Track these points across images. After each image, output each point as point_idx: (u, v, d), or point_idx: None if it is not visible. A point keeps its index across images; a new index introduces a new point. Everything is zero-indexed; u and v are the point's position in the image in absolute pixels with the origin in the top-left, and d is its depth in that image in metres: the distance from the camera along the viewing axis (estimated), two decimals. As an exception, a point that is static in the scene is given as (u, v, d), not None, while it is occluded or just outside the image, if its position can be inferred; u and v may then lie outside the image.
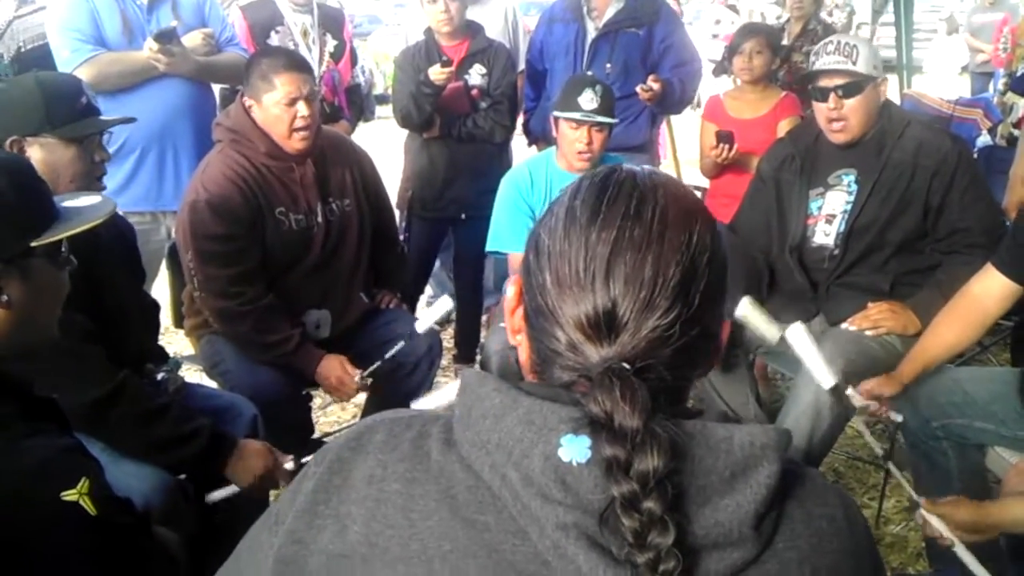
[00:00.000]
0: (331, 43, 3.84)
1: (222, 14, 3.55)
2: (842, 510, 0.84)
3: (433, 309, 2.72)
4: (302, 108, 2.58)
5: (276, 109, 2.58)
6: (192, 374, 3.02)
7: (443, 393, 2.22)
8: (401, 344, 2.68)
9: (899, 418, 2.39)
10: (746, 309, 2.30)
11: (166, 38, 3.09)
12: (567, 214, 0.84)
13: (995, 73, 9.45)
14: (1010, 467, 2.06)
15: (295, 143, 2.63)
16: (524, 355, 0.89)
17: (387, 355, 2.68)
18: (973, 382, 2.41)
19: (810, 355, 2.11)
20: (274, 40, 3.68)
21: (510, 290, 0.91)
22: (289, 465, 2.21)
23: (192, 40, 3.27)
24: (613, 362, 0.77)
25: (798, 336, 2.13)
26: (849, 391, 2.43)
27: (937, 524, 1.82)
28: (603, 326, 0.79)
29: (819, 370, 2.11)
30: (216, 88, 3.69)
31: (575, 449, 0.74)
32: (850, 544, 0.83)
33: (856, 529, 0.85)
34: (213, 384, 2.77)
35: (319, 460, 0.88)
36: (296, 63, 2.66)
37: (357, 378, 2.69)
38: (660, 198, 0.83)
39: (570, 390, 0.80)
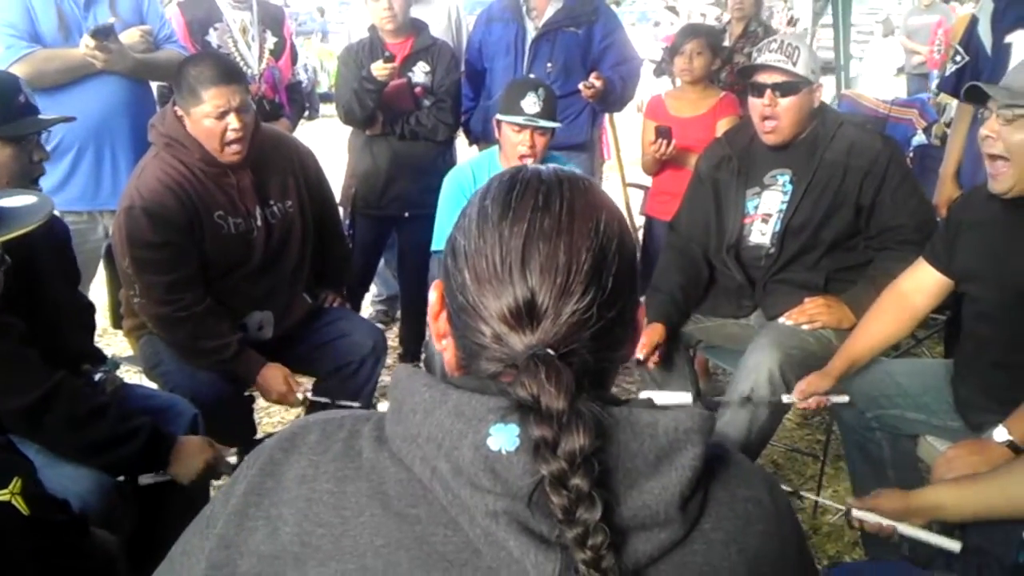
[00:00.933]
0: (271, 40, 3.80)
1: (160, 11, 3.50)
2: (767, 493, 0.87)
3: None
4: (233, 121, 2.50)
5: (207, 122, 2.50)
6: (132, 375, 2.99)
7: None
8: (356, 404, 2.66)
9: (845, 398, 2.45)
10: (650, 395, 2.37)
11: (103, 35, 3.03)
12: (479, 214, 0.87)
13: (930, 74, 9.70)
14: (939, 455, 2.11)
15: (227, 156, 2.56)
16: (449, 356, 0.91)
17: (338, 402, 2.64)
18: (905, 374, 2.48)
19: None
20: (212, 37, 3.64)
21: (432, 295, 0.93)
22: (232, 459, 2.20)
23: (130, 37, 3.22)
24: (537, 348, 0.80)
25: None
26: (785, 397, 2.50)
27: (871, 518, 1.86)
28: (524, 315, 0.81)
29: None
30: (155, 85, 3.64)
31: (504, 438, 0.76)
32: (775, 526, 0.86)
33: (781, 511, 0.88)
34: (153, 385, 2.73)
35: (251, 462, 0.88)
36: (224, 74, 2.52)
37: (300, 394, 2.67)
38: (566, 191, 0.86)
39: (497, 381, 0.83)
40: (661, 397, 2.30)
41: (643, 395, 2.26)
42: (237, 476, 0.88)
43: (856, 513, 1.88)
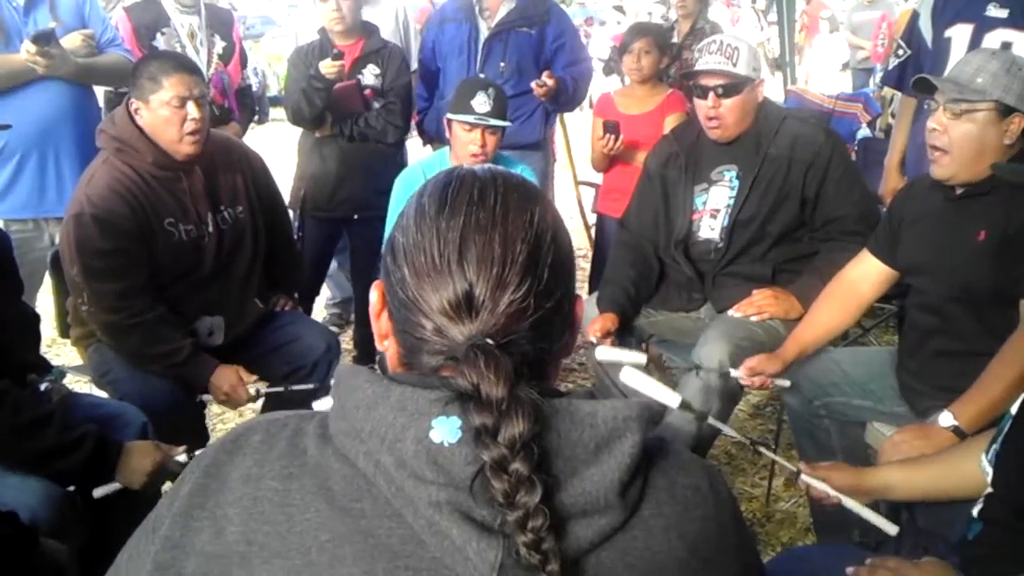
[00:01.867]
0: (220, 44, 3.78)
1: (103, 15, 3.46)
2: (707, 480, 0.90)
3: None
4: (192, 110, 2.51)
5: (165, 111, 2.50)
6: (82, 385, 2.95)
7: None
8: (311, 386, 2.67)
9: (787, 383, 2.49)
10: (603, 353, 2.45)
11: (44, 40, 2.99)
12: (416, 211, 0.89)
13: (874, 68, 9.86)
14: (886, 439, 2.16)
15: (184, 147, 2.54)
16: (391, 353, 0.93)
17: (291, 387, 2.65)
18: (852, 362, 2.53)
19: (649, 389, 2.12)
20: (160, 42, 3.60)
21: (373, 295, 0.94)
22: (182, 457, 2.18)
23: (72, 42, 3.18)
24: (476, 339, 0.81)
25: (632, 378, 2.14)
26: (732, 372, 2.53)
27: (819, 485, 1.89)
28: (463, 307, 0.83)
29: (663, 396, 2.10)
30: (100, 90, 3.60)
31: (446, 430, 0.77)
32: (714, 512, 0.88)
33: (721, 498, 0.90)
34: (103, 394, 2.69)
35: (196, 464, 0.89)
36: (186, 65, 2.59)
37: (252, 388, 2.65)
38: (500, 186, 0.89)
39: (438, 374, 0.84)
40: (616, 354, 2.33)
41: (598, 352, 2.24)
42: (183, 478, 0.89)
43: (805, 477, 1.91)
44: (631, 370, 2.15)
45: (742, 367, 2.52)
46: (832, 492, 1.87)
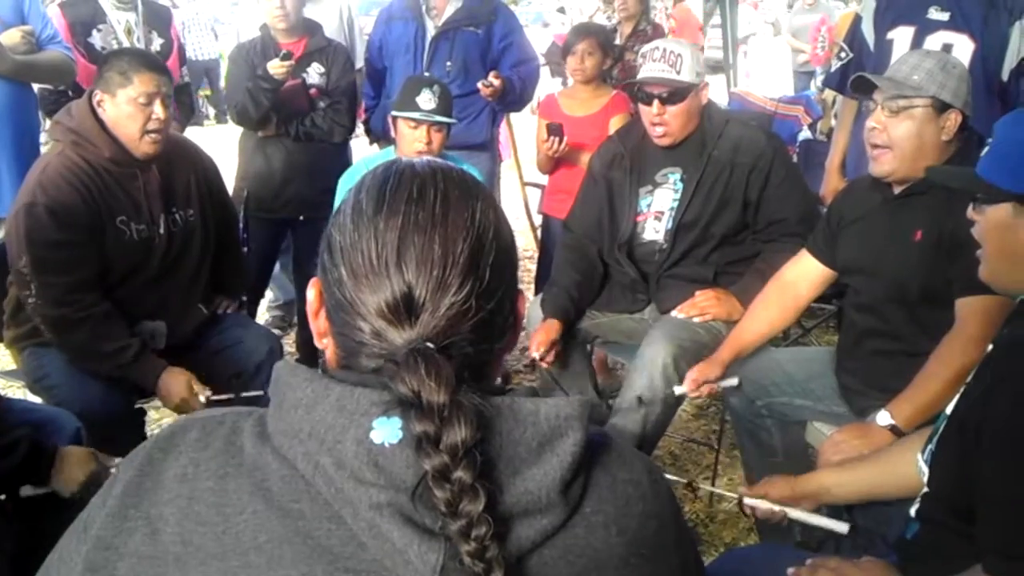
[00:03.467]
0: (157, 41, 3.72)
1: (43, 11, 3.38)
2: (647, 476, 0.89)
3: None
4: (158, 109, 2.49)
5: (130, 107, 2.47)
6: (15, 390, 2.87)
7: None
8: (260, 393, 2.63)
9: (735, 382, 2.52)
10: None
11: (-20, 36, 2.93)
12: (353, 208, 0.87)
13: (815, 71, 10.02)
14: (826, 440, 2.19)
15: (144, 146, 2.51)
16: (330, 354, 0.91)
17: (241, 394, 2.62)
18: (792, 362, 2.57)
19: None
20: (96, 39, 3.54)
21: (310, 293, 0.92)
22: (116, 470, 2.13)
23: (10, 38, 3.11)
24: (416, 343, 0.80)
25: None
26: (676, 389, 2.55)
27: (763, 505, 1.91)
28: (403, 310, 0.81)
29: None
30: (36, 88, 3.52)
31: (387, 431, 0.76)
32: (654, 507, 0.88)
33: (660, 493, 0.90)
34: (36, 399, 2.62)
35: (128, 463, 0.86)
36: (156, 64, 2.58)
37: (203, 398, 2.60)
38: (440, 182, 0.86)
39: (379, 374, 0.82)
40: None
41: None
42: (115, 477, 0.86)
43: (748, 500, 1.93)
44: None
45: (687, 381, 2.53)
46: (777, 508, 1.89)
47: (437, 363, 0.77)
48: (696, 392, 2.54)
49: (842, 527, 1.86)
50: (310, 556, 0.76)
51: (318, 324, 0.91)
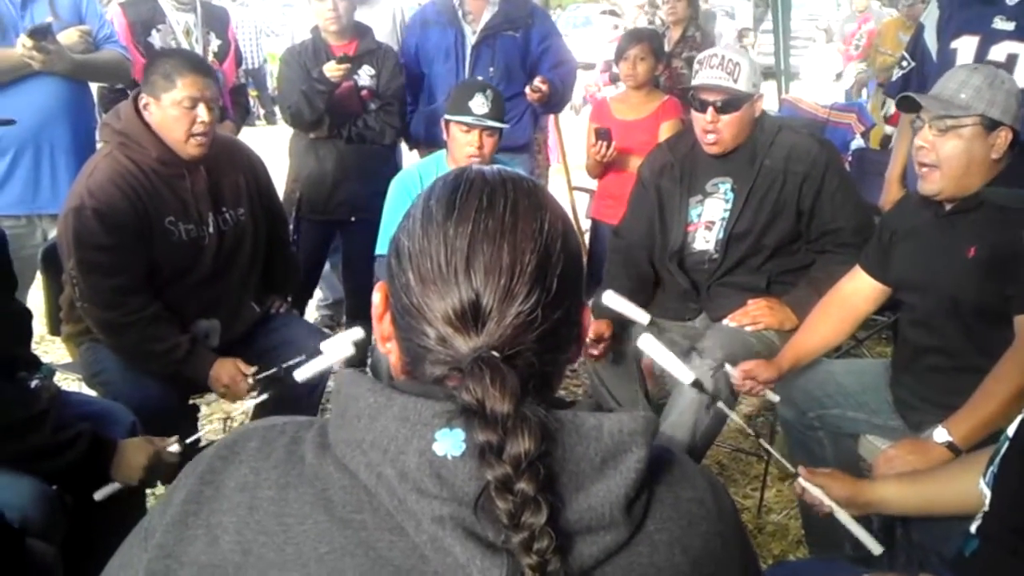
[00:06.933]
0: (215, 43, 3.77)
1: (100, 10, 3.44)
2: (711, 493, 0.88)
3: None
4: (202, 112, 2.49)
5: (175, 110, 2.48)
6: (70, 383, 2.92)
7: (324, 359, 2.28)
8: (302, 358, 2.62)
9: (776, 398, 2.48)
10: (610, 299, 2.46)
11: (40, 35, 2.97)
12: (423, 214, 0.87)
13: (869, 80, 9.88)
14: (880, 453, 2.16)
15: (190, 148, 2.53)
16: (395, 358, 0.91)
17: (283, 365, 2.62)
18: (846, 374, 2.53)
19: (664, 358, 2.16)
20: (155, 39, 3.59)
21: (376, 297, 0.92)
22: (174, 447, 2.17)
23: (68, 37, 3.16)
24: (482, 351, 0.79)
25: (649, 344, 2.20)
26: (728, 368, 2.52)
27: (815, 492, 1.89)
28: (469, 317, 0.81)
29: (677, 370, 2.17)
30: (94, 87, 3.58)
31: (449, 443, 0.76)
32: (718, 526, 0.86)
33: (724, 511, 0.89)
34: (92, 393, 2.66)
35: (190, 470, 0.86)
36: (201, 66, 2.58)
37: (250, 379, 2.64)
38: (510, 192, 0.86)
39: (442, 385, 0.82)
40: (622, 304, 2.37)
41: (606, 296, 2.23)
42: (176, 485, 0.87)
43: (802, 481, 1.91)
44: (648, 337, 2.17)
45: (738, 367, 2.51)
46: (827, 500, 1.87)
47: (502, 372, 0.76)
48: (740, 382, 2.51)
49: (876, 548, 1.83)
50: (371, 568, 0.75)
51: (382, 328, 0.91)
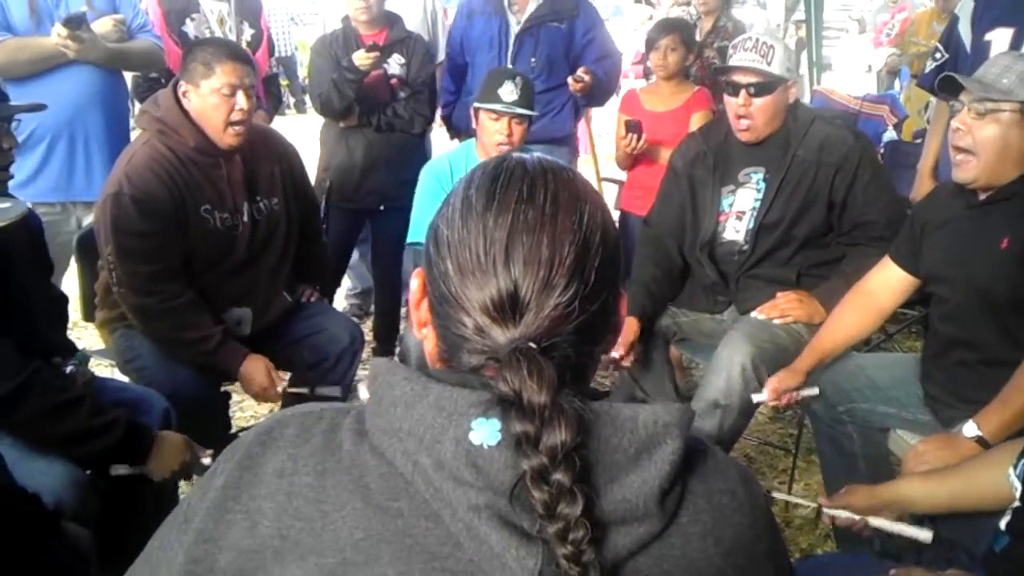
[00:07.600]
0: (248, 32, 3.79)
1: (134, 0, 3.48)
2: (742, 485, 0.88)
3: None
4: (241, 100, 2.51)
5: (214, 98, 2.50)
6: (103, 369, 2.96)
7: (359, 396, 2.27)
8: (336, 390, 2.69)
9: (815, 391, 2.47)
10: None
11: (75, 23, 3.00)
12: (463, 203, 0.87)
13: (900, 71, 9.75)
14: (910, 449, 2.14)
15: (228, 137, 2.55)
16: (430, 346, 0.91)
17: (317, 389, 2.67)
18: (876, 368, 2.51)
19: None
20: (189, 28, 3.62)
21: (414, 283, 0.92)
22: (207, 460, 2.19)
23: (103, 26, 3.19)
24: (519, 342, 0.80)
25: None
26: (755, 396, 2.51)
27: (843, 515, 1.88)
28: (507, 308, 0.81)
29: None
30: (128, 76, 3.61)
31: (486, 432, 0.76)
32: (750, 517, 0.87)
33: (756, 503, 0.89)
34: (125, 379, 2.69)
35: (228, 456, 0.88)
36: (240, 54, 2.60)
37: (280, 388, 2.67)
38: (550, 182, 0.86)
39: (479, 374, 0.82)
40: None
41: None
42: (215, 470, 0.88)
43: (827, 511, 1.91)
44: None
45: (767, 388, 2.50)
46: (858, 517, 1.86)
47: (539, 363, 0.77)
48: (776, 401, 2.50)
49: (926, 535, 1.82)
50: (408, 555, 0.76)
51: (419, 314, 0.92)
